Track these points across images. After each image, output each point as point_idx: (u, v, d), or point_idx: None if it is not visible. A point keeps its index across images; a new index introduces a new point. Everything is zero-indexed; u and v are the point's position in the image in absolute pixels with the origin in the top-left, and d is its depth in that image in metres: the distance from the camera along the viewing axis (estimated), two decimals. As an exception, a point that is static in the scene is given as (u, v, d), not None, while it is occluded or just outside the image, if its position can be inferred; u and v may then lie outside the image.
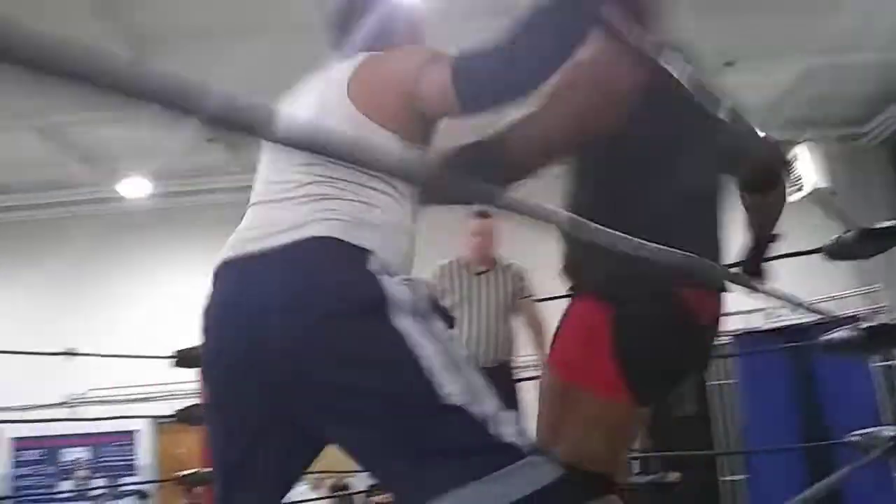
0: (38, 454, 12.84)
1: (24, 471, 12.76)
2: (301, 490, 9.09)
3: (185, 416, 4.67)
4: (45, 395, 11.39)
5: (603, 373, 1.62)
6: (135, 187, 12.13)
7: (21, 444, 12.78)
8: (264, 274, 1.59)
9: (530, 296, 3.71)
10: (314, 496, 8.46)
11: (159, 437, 12.77)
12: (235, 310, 1.66)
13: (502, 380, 3.53)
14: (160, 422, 12.41)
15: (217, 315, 1.76)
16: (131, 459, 12.60)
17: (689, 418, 7.52)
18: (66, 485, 12.45)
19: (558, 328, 1.91)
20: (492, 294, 3.67)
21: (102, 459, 12.71)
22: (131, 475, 12.36)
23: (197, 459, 11.63)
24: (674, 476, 6.76)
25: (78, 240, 12.52)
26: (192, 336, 5.13)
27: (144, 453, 12.59)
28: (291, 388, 1.49)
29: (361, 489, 8.93)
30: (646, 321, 1.58)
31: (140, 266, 12.80)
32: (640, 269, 1.29)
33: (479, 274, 3.79)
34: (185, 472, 4.48)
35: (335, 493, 8.33)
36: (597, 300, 1.68)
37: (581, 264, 1.81)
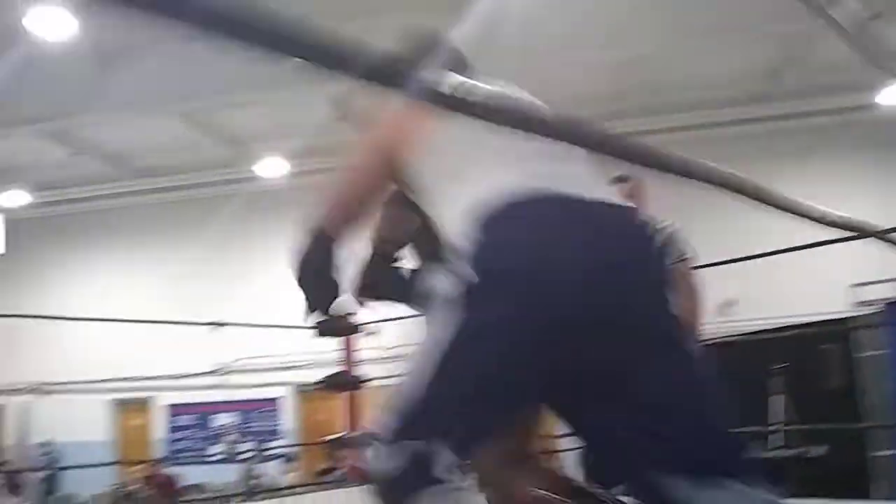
0: (191, 419, 13.70)
1: (178, 435, 13.67)
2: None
3: (332, 383, 4.87)
4: (197, 364, 12.13)
5: None
6: (272, 167, 12.60)
7: (176, 410, 13.69)
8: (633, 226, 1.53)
9: (683, 259, 3.36)
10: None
11: (301, 404, 13.39)
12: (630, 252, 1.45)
13: None
14: (302, 389, 13.06)
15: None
16: (276, 425, 13.25)
17: (835, 391, 7.17)
18: (216, 448, 13.27)
19: None
20: None
21: (249, 424, 13.43)
22: (276, 439, 12.99)
23: (337, 425, 12.12)
24: (819, 450, 6.49)
25: (222, 219, 13.20)
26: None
27: (288, 419, 13.22)
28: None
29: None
30: None
31: (280, 243, 13.35)
32: None
33: None
34: (332, 437, 4.68)
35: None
36: None
37: None
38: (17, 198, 13.15)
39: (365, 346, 5.42)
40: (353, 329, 2.08)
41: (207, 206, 13.46)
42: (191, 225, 13.69)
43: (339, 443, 5.17)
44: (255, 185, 13.00)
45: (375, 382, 5.29)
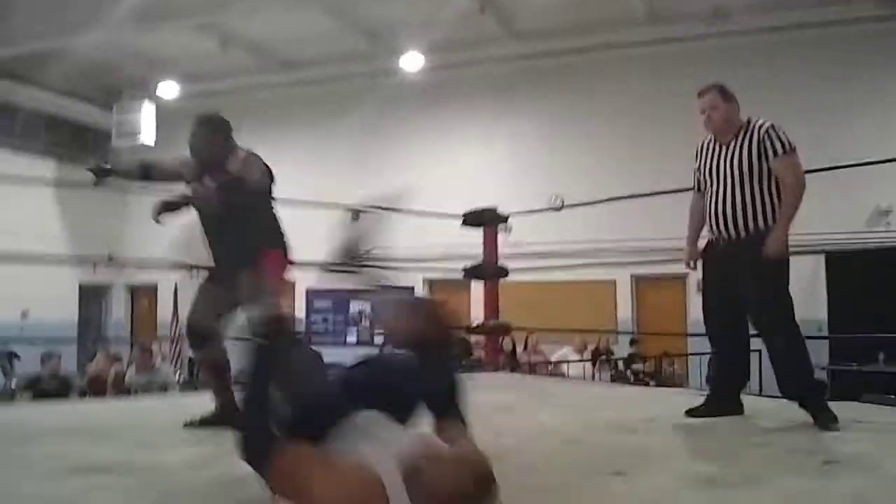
0: (328, 304, 14.40)
1: (315, 317, 14.43)
2: (564, 351, 9.54)
3: (472, 273, 5.08)
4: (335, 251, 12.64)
5: None
6: (412, 61, 12.64)
7: (313, 294, 14.42)
8: None
9: (783, 152, 3.32)
10: (576, 357, 8.78)
11: (432, 294, 13.83)
12: None
13: (748, 251, 3.35)
14: (433, 280, 13.48)
15: None
16: (407, 313, 13.77)
17: None
18: (351, 332, 13.99)
19: None
20: (731, 162, 3.44)
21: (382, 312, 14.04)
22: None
23: (464, 314, 12.45)
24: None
25: (364, 111, 13.50)
26: (471, 201, 5.44)
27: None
28: None
29: (621, 356, 9.16)
30: None
31: (420, 135, 13.57)
32: None
33: (722, 145, 3.58)
34: (470, 325, 4.88)
35: (596, 357, 8.59)
36: None
37: None
38: (168, 89, 13.81)
39: (502, 242, 5.53)
40: None
41: (350, 98, 13.75)
42: (332, 117, 14.07)
43: (477, 330, 5.35)
44: (395, 78, 13.12)
45: (512, 276, 5.45)
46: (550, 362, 8.76)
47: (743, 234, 3.50)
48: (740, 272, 3.47)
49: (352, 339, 13.92)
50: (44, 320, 13.26)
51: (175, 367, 10.92)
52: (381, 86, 13.32)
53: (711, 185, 3.64)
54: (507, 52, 12.37)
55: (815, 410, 3.30)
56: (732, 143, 3.57)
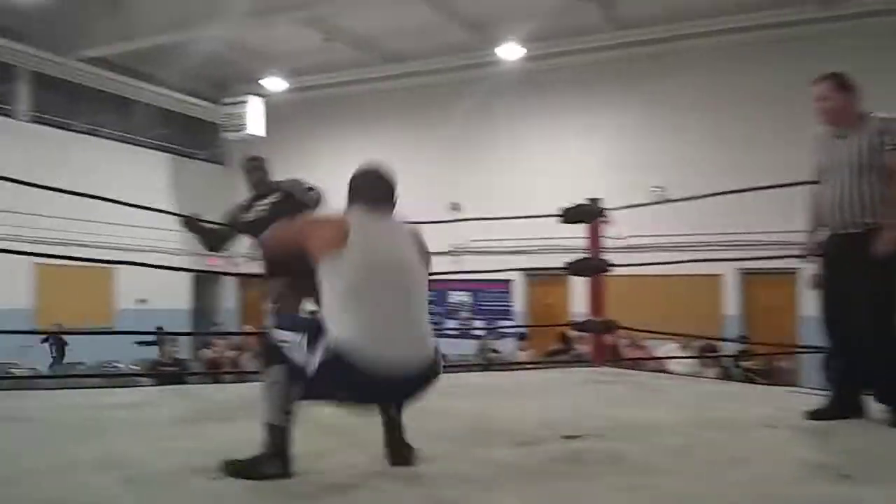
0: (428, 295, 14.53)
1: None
2: (668, 347, 9.33)
3: (580, 268, 5.02)
4: (435, 243, 12.75)
5: None
6: (511, 51, 12.58)
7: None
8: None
9: (893, 146, 3.18)
10: (683, 354, 8.59)
11: (530, 288, 13.81)
12: None
13: (863, 246, 3.21)
14: (531, 273, 13.44)
15: None
16: (507, 305, 13.77)
17: None
18: (451, 323, 14.10)
19: None
20: (847, 155, 3.31)
21: (481, 304, 14.08)
22: (507, 319, 13.56)
23: (563, 309, 12.34)
24: None
25: (464, 103, 13.56)
26: (569, 194, 5.38)
27: (518, 301, 13.70)
28: None
29: (729, 354, 8.90)
30: None
31: (518, 127, 13.52)
32: None
33: (837, 138, 3.42)
34: (572, 320, 4.83)
35: (703, 355, 8.37)
36: None
37: None
38: (275, 84, 14.20)
39: (605, 236, 5.45)
40: None
41: (449, 90, 13.84)
42: (433, 108, 14.19)
43: (582, 327, 5.29)
44: (494, 70, 13.12)
45: (616, 270, 5.36)
46: (655, 358, 8.59)
47: (859, 229, 3.35)
48: (854, 268, 3.35)
49: (450, 330, 14.02)
50: (160, 308, 13.90)
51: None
52: (481, 77, 13.33)
53: (830, 179, 3.50)
54: (608, 41, 12.15)
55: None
56: (851, 136, 3.44)
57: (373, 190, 2.67)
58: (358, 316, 2.35)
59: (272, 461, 2.31)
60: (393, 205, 2.71)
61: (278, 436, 2.33)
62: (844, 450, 2.86)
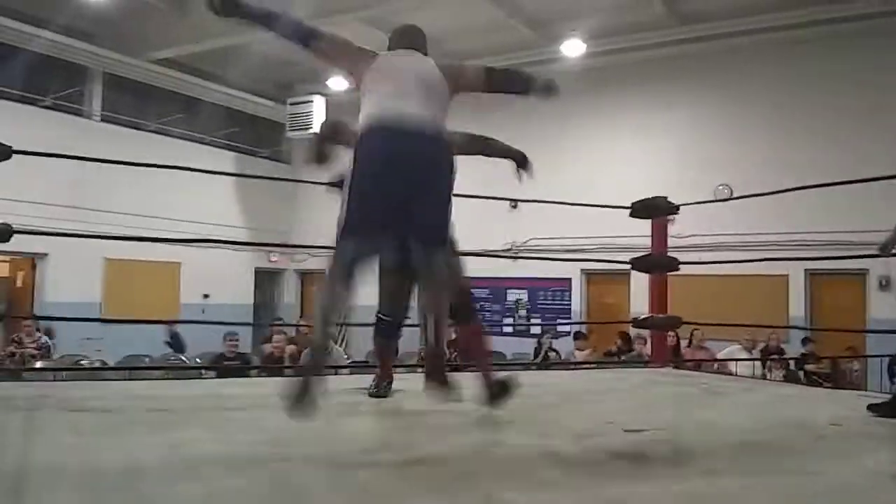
0: (486, 293, 14.56)
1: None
2: (731, 349, 9.19)
3: (640, 265, 4.99)
4: (494, 241, 12.79)
5: None
6: (575, 47, 12.46)
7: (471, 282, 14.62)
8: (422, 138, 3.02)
9: None
10: (745, 355, 8.44)
11: (589, 286, 13.72)
12: None
13: None
14: (589, 272, 13.35)
15: None
16: (565, 304, 13.70)
17: None
18: (508, 321, 14.10)
19: None
20: None
21: (539, 302, 14.03)
22: (565, 318, 13.48)
23: (622, 308, 12.24)
24: None
25: (523, 100, 13.50)
26: (631, 193, 5.34)
27: (576, 299, 13.61)
28: None
29: (793, 356, 8.71)
30: None
31: (578, 126, 13.43)
32: None
33: None
34: (634, 318, 4.79)
35: (767, 357, 8.21)
36: None
37: None
38: (337, 84, 14.36)
39: (668, 234, 5.39)
40: None
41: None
42: (495, 107, 14.12)
43: (644, 324, 5.24)
44: (556, 66, 13.05)
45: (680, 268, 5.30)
46: (717, 360, 8.45)
47: None
48: None
49: (508, 328, 14.00)
50: (223, 303, 14.21)
51: (343, 348, 11.42)
52: (543, 74, 13.26)
53: None
54: (671, 37, 11.97)
55: None
56: None
57: (400, 38, 3.34)
58: (371, 103, 2.96)
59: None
60: (417, 47, 3.35)
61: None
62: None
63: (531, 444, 2.76)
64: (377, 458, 2.53)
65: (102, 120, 13.53)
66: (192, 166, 5.32)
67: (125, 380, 4.77)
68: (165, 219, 11.99)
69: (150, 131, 14.17)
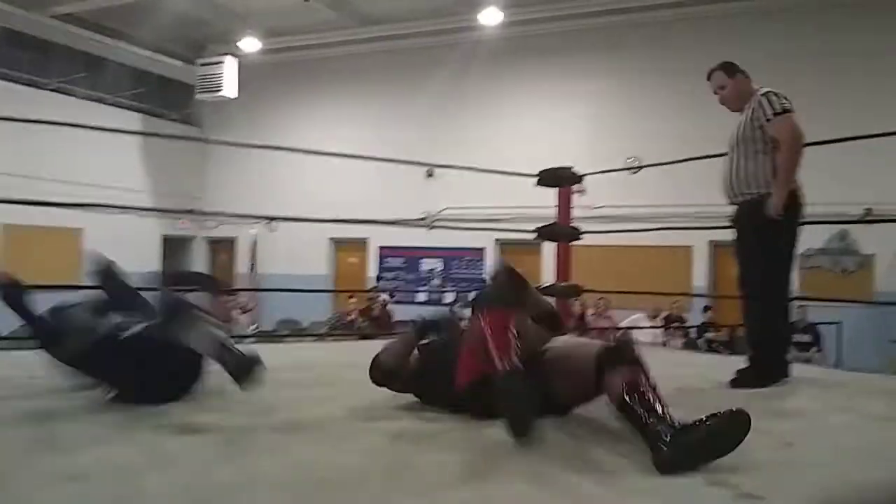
0: (400, 262, 14.57)
1: (388, 275, 14.63)
2: (635, 317, 9.45)
3: (545, 234, 5.05)
4: (408, 211, 12.77)
5: None
6: (492, 16, 12.42)
7: (386, 251, 14.61)
8: None
9: (770, 119, 3.49)
10: (648, 324, 8.68)
11: (502, 256, 13.86)
12: None
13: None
14: (504, 241, 13.49)
15: None
16: (479, 273, 13.82)
17: None
18: (422, 290, 14.17)
19: None
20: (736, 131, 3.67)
21: (453, 272, 14.12)
22: (479, 287, 13.60)
23: (538, 278, 12.40)
24: None
25: (440, 67, 13.47)
26: (545, 161, 5.38)
27: (488, 269, 13.74)
28: None
29: (694, 324, 9.01)
30: None
31: (496, 94, 13.46)
32: None
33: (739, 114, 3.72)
34: (543, 285, 4.86)
35: (668, 325, 8.48)
36: None
37: None
38: (250, 45, 13.99)
39: (575, 204, 5.46)
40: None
41: (428, 56, 13.73)
42: (410, 74, 14.08)
43: (546, 292, 5.31)
44: (473, 35, 13.03)
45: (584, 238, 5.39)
46: (620, 328, 8.68)
47: (740, 199, 3.63)
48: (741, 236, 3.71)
49: (422, 297, 14.06)
50: (129, 271, 13.76)
51: (250, 318, 11.24)
52: (460, 42, 13.24)
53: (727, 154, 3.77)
54: (588, 8, 12.08)
55: (750, 364, 3.57)
56: (741, 113, 3.72)
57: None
58: None
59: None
60: None
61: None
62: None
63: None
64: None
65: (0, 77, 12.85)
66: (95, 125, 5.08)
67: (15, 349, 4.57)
68: (67, 182, 11.50)
69: (50, 90, 13.52)
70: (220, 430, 2.38)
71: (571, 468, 2.00)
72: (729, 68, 3.84)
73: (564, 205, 5.14)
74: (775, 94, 3.59)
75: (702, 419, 2.02)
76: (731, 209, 3.75)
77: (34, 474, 1.89)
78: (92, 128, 4.78)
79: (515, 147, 12.23)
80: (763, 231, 3.51)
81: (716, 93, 3.88)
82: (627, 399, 2.10)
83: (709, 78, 3.93)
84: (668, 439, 1.98)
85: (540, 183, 5.11)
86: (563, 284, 5.04)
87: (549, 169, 5.12)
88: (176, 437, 2.29)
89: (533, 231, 5.18)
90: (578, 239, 5.14)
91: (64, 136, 11.44)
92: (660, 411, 2.08)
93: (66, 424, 2.40)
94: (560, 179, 5.08)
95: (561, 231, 5.07)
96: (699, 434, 1.99)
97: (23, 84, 13.06)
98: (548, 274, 10.93)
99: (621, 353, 2.25)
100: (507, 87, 13.38)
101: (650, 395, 2.12)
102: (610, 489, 1.89)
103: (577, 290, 5.14)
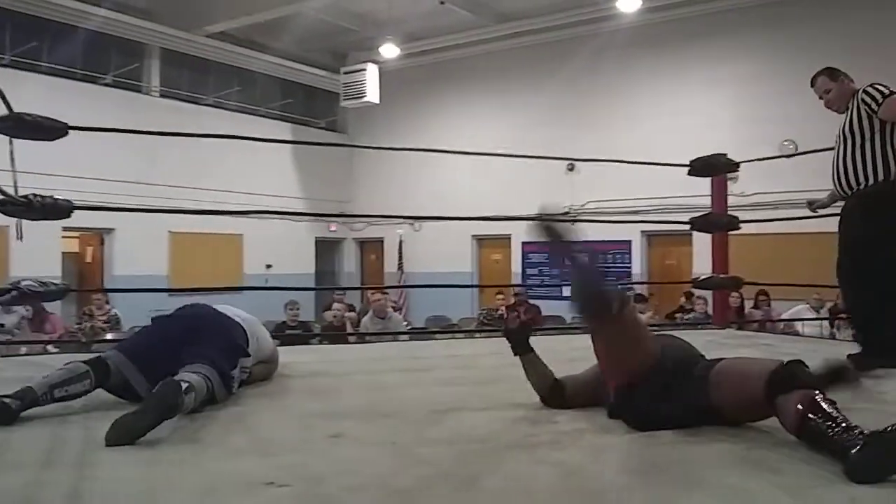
0: (544, 257, 14.46)
1: (531, 271, 14.55)
2: (797, 309, 8.96)
3: (700, 224, 4.87)
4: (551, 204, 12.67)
5: None
6: (630, 2, 12.05)
7: (529, 247, 14.54)
8: None
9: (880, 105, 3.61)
10: (812, 316, 8.21)
11: (649, 248, 13.51)
12: None
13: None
14: (650, 233, 13.14)
15: None
16: (626, 266, 13.51)
17: None
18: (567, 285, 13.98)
19: None
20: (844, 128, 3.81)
21: (598, 265, 13.86)
22: (626, 280, 13.31)
23: (684, 269, 12.01)
24: None
25: (576, 60, 13.28)
26: (691, 151, 5.17)
27: (637, 261, 13.42)
28: None
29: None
30: None
31: (638, 82, 13.11)
32: None
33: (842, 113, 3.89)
34: (694, 278, 4.68)
35: (836, 316, 7.97)
36: None
37: None
38: (389, 51, 14.29)
39: (728, 193, 5.24)
40: None
41: (563, 49, 13.56)
42: (546, 67, 13.96)
43: (704, 284, 5.12)
44: (611, 24, 12.77)
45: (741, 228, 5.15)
46: (781, 320, 8.24)
47: (848, 191, 3.74)
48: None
49: (568, 292, 13.89)
50: (286, 273, 14.42)
51: (403, 315, 11.48)
52: (596, 32, 12.99)
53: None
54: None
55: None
56: (846, 112, 3.85)
57: None
58: None
59: None
60: None
61: None
62: None
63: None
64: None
65: (161, 95, 13.74)
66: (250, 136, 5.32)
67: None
68: (227, 191, 12.21)
69: (207, 105, 14.35)
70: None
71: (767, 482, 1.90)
72: (832, 73, 4.00)
73: (720, 193, 4.94)
74: (878, 85, 3.71)
75: (893, 425, 1.88)
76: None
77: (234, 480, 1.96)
78: (248, 138, 5.00)
79: (660, 136, 11.89)
80: (882, 220, 3.59)
81: (821, 97, 4.05)
82: (810, 416, 2.01)
83: (812, 84, 4.08)
84: (858, 447, 1.87)
85: (692, 173, 4.92)
86: (722, 276, 4.83)
87: (701, 157, 4.93)
88: (351, 445, 2.35)
89: (686, 222, 5.00)
90: (737, 228, 4.93)
91: (221, 148, 12.11)
92: (843, 422, 1.97)
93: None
94: (714, 167, 4.88)
95: (717, 221, 4.87)
96: (891, 439, 1.86)
97: (183, 101, 13.92)
98: (700, 265, 10.59)
99: (793, 378, 2.15)
100: (645, 76, 12.99)
101: (830, 409, 2.02)
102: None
103: (737, 283, 4.91)
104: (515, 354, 2.80)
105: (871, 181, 3.61)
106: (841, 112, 3.92)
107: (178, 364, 2.60)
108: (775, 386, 2.14)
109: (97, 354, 2.82)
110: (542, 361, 2.79)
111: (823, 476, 1.91)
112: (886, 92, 3.62)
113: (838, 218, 3.86)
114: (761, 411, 2.25)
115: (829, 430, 1.96)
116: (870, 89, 3.67)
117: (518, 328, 2.86)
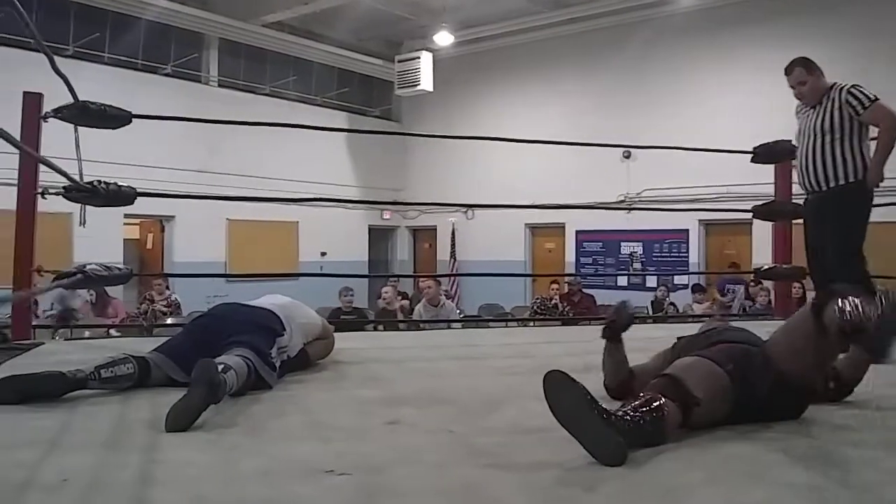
0: (598, 246, 14.32)
1: (585, 260, 14.43)
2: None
3: (763, 213, 4.75)
4: (606, 194, 12.53)
5: None
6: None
7: (583, 236, 14.41)
8: None
9: (866, 107, 3.90)
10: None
11: (708, 237, 13.26)
12: None
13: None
14: (708, 222, 12.89)
15: None
16: (682, 256, 13.29)
17: None
18: (622, 273, 13.84)
19: None
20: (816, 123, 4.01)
21: (655, 254, 13.67)
22: (682, 270, 13.10)
23: (743, 259, 11.74)
24: None
25: (631, 46, 13.05)
26: (746, 141, 5.04)
27: (694, 251, 13.19)
28: None
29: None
30: None
31: (691, 71, 12.85)
32: None
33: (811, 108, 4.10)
34: (756, 269, 4.58)
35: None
36: None
37: None
38: (444, 38, 14.25)
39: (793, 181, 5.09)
40: None
41: (618, 34, 13.35)
42: (600, 53, 13.78)
43: (767, 275, 4.99)
44: (666, 9, 12.54)
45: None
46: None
47: (824, 186, 3.88)
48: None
49: (622, 281, 13.74)
50: (340, 260, 14.55)
51: (456, 303, 11.48)
52: (652, 18, 12.76)
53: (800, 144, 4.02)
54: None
55: None
56: (818, 107, 3.98)
57: None
58: None
59: None
60: None
61: None
62: None
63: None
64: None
65: (219, 85, 13.94)
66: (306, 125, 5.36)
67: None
68: (283, 180, 12.35)
69: (264, 94, 14.51)
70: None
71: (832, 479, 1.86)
72: (808, 65, 4.06)
73: (784, 181, 4.80)
74: (861, 87, 3.87)
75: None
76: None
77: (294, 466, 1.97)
78: (304, 126, 5.04)
79: (719, 122, 11.63)
80: (851, 216, 3.80)
81: (793, 87, 4.10)
82: (847, 307, 2.11)
83: (787, 73, 4.12)
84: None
85: (755, 160, 4.79)
86: (784, 267, 4.70)
87: (765, 144, 4.80)
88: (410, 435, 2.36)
89: (748, 210, 4.88)
90: (799, 217, 4.79)
91: (278, 137, 12.24)
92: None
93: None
94: (778, 154, 4.74)
95: (781, 209, 4.73)
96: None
97: (241, 90, 14.10)
98: (760, 256, 10.35)
99: (833, 291, 2.26)
100: (701, 62, 12.70)
101: (867, 303, 2.17)
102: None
103: (801, 273, 4.76)
104: (605, 338, 2.74)
105: (850, 178, 3.80)
106: (809, 106, 4.05)
107: (215, 356, 2.66)
108: (820, 302, 2.25)
109: (138, 354, 2.91)
110: (624, 350, 2.75)
111: (892, 473, 1.85)
112: (872, 97, 3.82)
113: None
114: (817, 348, 2.29)
115: (871, 316, 2.15)
116: (855, 91, 3.85)
117: (629, 319, 2.80)
